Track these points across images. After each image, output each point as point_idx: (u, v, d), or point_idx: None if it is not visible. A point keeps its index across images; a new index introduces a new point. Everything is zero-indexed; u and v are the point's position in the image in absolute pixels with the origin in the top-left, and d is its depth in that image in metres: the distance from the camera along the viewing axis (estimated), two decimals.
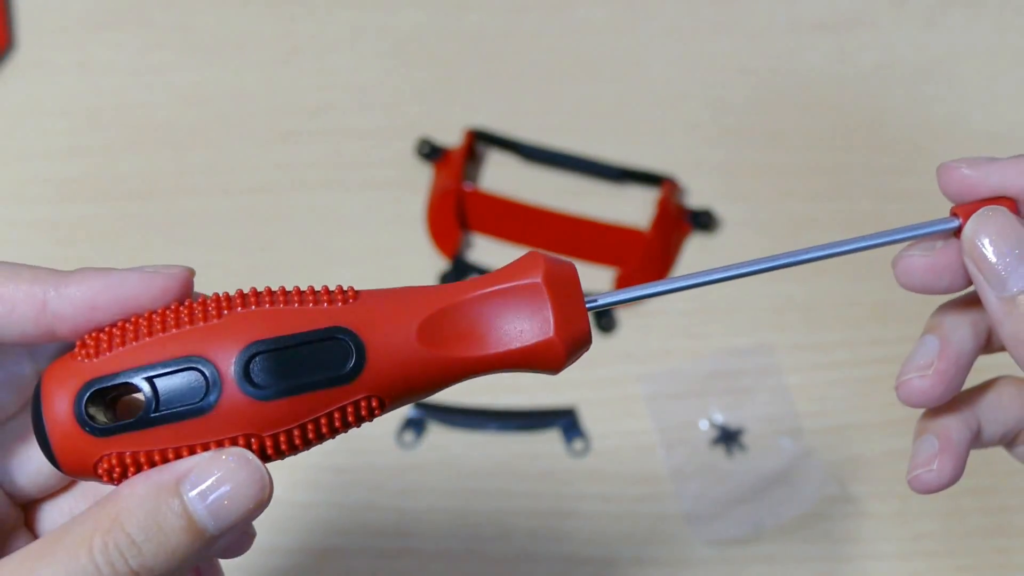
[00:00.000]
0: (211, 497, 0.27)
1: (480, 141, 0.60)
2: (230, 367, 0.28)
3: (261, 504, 0.28)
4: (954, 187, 0.32)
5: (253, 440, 0.28)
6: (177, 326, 0.29)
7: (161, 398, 0.28)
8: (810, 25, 0.64)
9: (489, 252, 0.57)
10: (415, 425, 0.53)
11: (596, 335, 0.55)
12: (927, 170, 0.63)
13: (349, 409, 0.29)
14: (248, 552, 0.51)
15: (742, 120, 0.61)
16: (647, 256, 0.56)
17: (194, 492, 0.27)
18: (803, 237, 0.57)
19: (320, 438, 0.29)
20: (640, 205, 0.58)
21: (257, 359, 0.28)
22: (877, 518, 0.51)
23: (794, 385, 0.54)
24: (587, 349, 0.32)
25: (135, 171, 0.59)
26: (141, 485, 0.27)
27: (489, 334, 0.30)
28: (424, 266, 0.57)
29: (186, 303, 0.29)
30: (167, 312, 0.29)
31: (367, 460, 0.52)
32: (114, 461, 0.28)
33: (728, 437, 0.52)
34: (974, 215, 0.31)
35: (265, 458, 0.28)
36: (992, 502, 0.50)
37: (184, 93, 0.62)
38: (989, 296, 0.31)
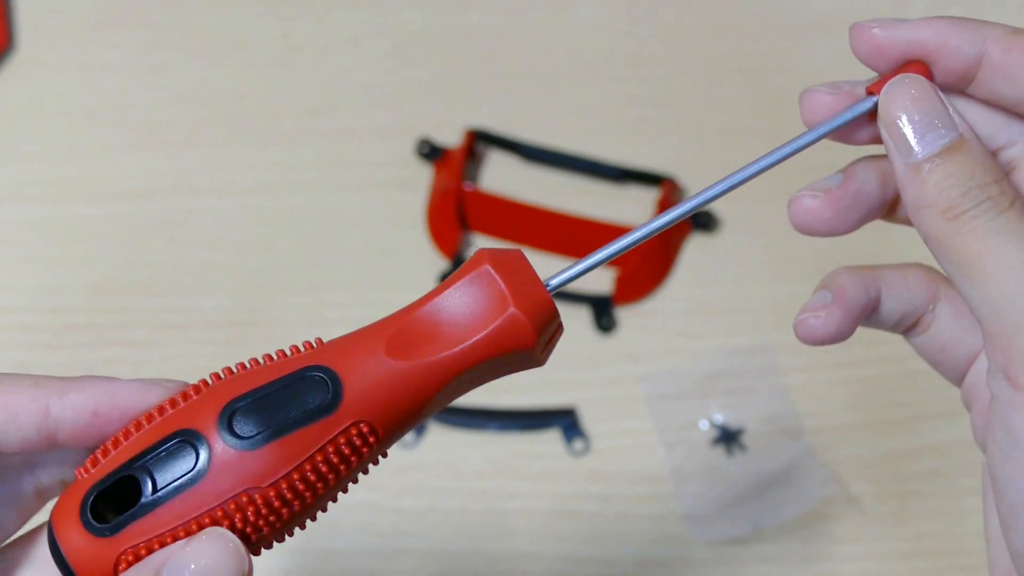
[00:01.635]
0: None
1: (480, 141, 0.60)
2: (213, 428, 0.28)
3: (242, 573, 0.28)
4: (864, 48, 0.33)
5: (257, 494, 0.28)
6: (161, 414, 0.29)
7: (157, 478, 0.28)
8: (810, 25, 0.64)
9: None
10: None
11: (596, 335, 0.55)
12: None
13: (341, 440, 0.29)
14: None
15: (742, 120, 0.61)
16: (647, 256, 0.56)
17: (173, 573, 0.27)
18: (803, 237, 0.57)
19: (322, 479, 0.29)
20: (640, 205, 0.58)
21: (237, 414, 0.28)
22: (877, 518, 0.51)
23: (794, 385, 0.54)
24: (558, 325, 0.31)
25: (135, 171, 0.59)
26: None
27: (454, 330, 0.30)
28: (424, 266, 0.57)
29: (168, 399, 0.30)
30: (153, 411, 0.30)
31: None
32: (131, 558, 0.28)
33: (728, 437, 0.52)
34: (888, 83, 0.31)
35: (275, 513, 0.29)
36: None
37: (184, 93, 0.62)
38: (897, 163, 0.30)
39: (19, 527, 0.31)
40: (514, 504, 0.51)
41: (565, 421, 0.53)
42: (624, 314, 0.56)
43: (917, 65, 0.32)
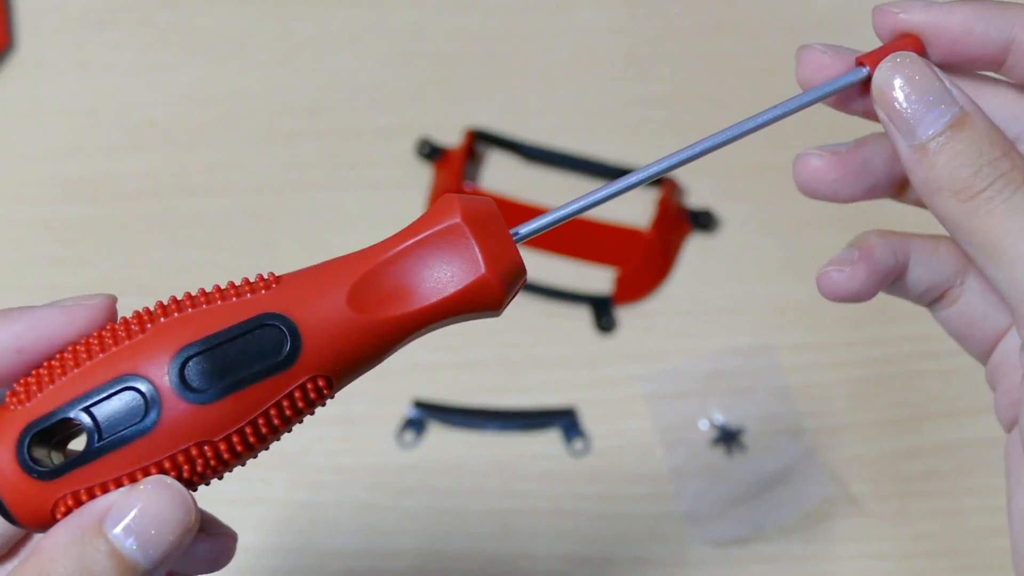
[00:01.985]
0: (136, 530, 0.26)
1: (480, 141, 0.60)
2: (164, 378, 0.27)
3: (189, 528, 0.27)
4: (887, 34, 0.31)
5: (207, 447, 0.27)
6: (103, 350, 0.28)
7: (102, 426, 0.27)
8: (810, 25, 0.64)
9: None
10: (415, 425, 0.53)
11: (596, 335, 0.55)
12: None
13: (297, 395, 0.28)
14: (248, 552, 0.51)
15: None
16: (647, 256, 0.56)
17: (118, 529, 0.26)
18: (803, 237, 0.58)
19: (274, 431, 0.28)
20: (640, 205, 0.58)
21: (191, 364, 0.27)
22: (877, 518, 0.51)
23: (794, 385, 0.54)
24: (523, 282, 0.30)
25: (135, 171, 0.59)
26: (63, 533, 0.26)
27: (421, 286, 0.29)
28: None
29: (108, 326, 0.29)
30: (91, 340, 0.28)
31: (367, 460, 0.52)
32: (71, 503, 0.27)
33: (728, 437, 0.52)
34: (883, 62, 0.30)
35: (223, 463, 0.28)
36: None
37: (184, 93, 0.62)
38: (901, 146, 0.29)
39: None
40: (514, 504, 0.51)
41: (565, 421, 0.53)
42: (624, 314, 0.56)
43: (909, 38, 0.31)
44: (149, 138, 0.60)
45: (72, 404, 0.27)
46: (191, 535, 0.27)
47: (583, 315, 0.56)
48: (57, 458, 0.27)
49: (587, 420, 0.53)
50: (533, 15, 0.64)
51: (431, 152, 0.59)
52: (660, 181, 0.58)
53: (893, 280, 0.33)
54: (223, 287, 0.28)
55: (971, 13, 0.30)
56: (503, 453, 0.52)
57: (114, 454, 0.27)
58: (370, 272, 0.29)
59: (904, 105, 0.29)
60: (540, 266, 0.57)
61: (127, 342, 0.28)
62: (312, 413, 0.29)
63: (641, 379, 0.54)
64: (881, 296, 0.58)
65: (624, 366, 0.54)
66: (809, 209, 0.58)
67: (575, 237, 0.57)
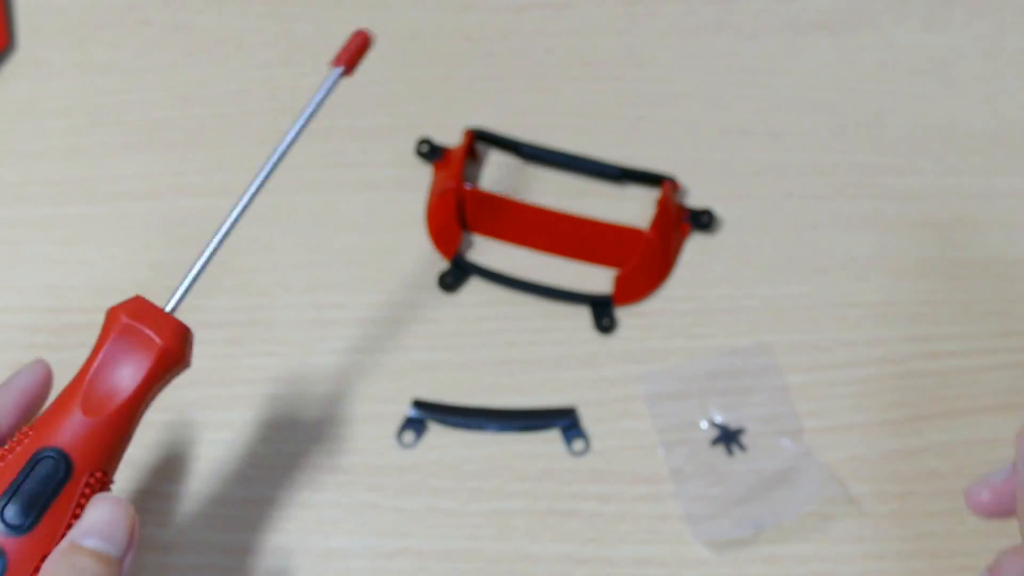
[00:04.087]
0: (102, 534, 0.36)
1: (480, 141, 0.60)
2: None
3: (134, 523, 0.37)
4: (981, 512, 0.41)
5: (46, 557, 0.36)
6: None
7: None
8: (810, 25, 0.64)
9: (489, 252, 0.57)
10: (415, 425, 0.53)
11: (596, 335, 0.55)
12: (927, 170, 0.64)
13: (87, 491, 0.38)
14: (248, 552, 0.51)
15: (742, 120, 0.61)
16: (647, 256, 0.56)
17: (89, 540, 0.36)
18: (803, 237, 0.58)
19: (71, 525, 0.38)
20: (640, 205, 0.58)
21: (7, 510, 0.36)
22: (877, 518, 0.51)
23: (794, 385, 0.54)
24: (192, 336, 0.40)
25: (135, 171, 0.60)
26: (50, 561, 0.36)
27: (126, 377, 0.38)
28: (424, 266, 0.57)
29: None
30: None
31: (367, 460, 0.52)
32: None
33: (728, 437, 0.52)
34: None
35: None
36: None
37: (184, 93, 0.62)
38: None
39: None
40: (514, 504, 0.51)
41: (565, 421, 0.53)
42: (624, 314, 0.56)
43: (361, 35, 0.46)
44: (149, 138, 0.60)
45: None
46: (135, 529, 0.37)
47: (583, 315, 0.56)
48: None
49: (587, 420, 0.53)
50: (533, 15, 0.64)
51: (431, 152, 0.59)
52: (660, 181, 0.58)
53: None
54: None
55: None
56: (503, 453, 0.52)
57: None
58: (87, 386, 0.38)
59: None
60: (540, 266, 0.57)
61: None
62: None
63: (641, 379, 0.54)
64: (881, 296, 0.59)
65: (624, 366, 0.54)
66: (809, 209, 0.58)
67: (575, 237, 0.57)
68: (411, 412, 0.53)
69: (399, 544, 0.50)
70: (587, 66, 0.63)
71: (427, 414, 0.53)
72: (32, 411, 0.41)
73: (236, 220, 0.43)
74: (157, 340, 0.38)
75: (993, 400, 0.53)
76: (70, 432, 0.38)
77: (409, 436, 0.53)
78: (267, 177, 0.45)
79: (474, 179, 0.60)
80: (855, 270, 0.56)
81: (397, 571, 0.50)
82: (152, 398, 0.39)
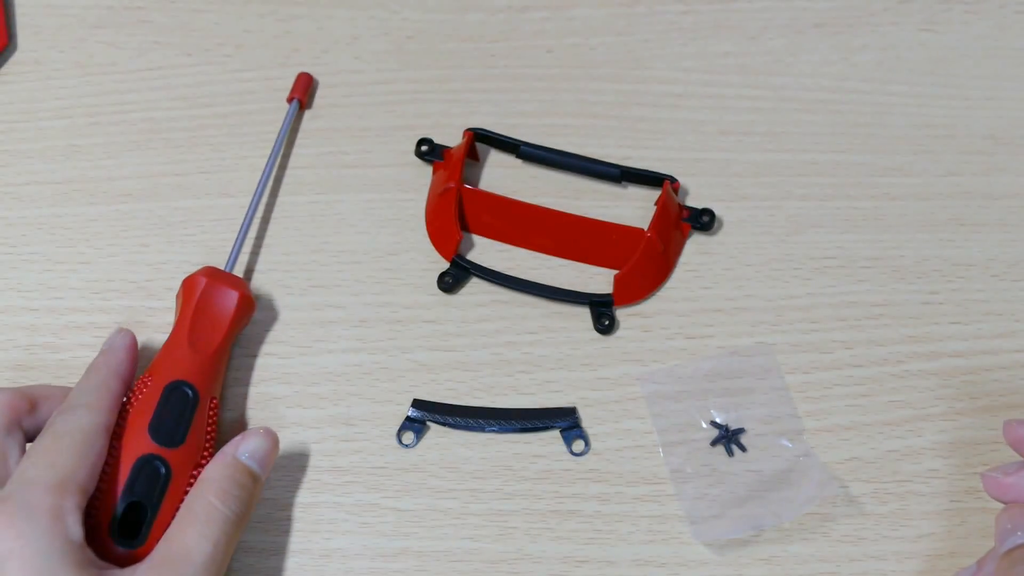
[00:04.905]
0: (255, 455, 0.47)
1: (480, 141, 0.60)
2: (155, 446, 0.47)
3: (277, 453, 0.49)
4: (994, 493, 0.47)
5: (198, 468, 0.48)
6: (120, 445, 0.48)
7: (143, 499, 0.46)
8: (810, 25, 0.64)
9: (489, 252, 0.57)
10: (415, 425, 0.53)
11: (596, 335, 0.55)
12: (927, 170, 0.64)
13: (210, 412, 0.49)
14: (248, 552, 0.51)
15: (742, 120, 0.61)
16: (647, 256, 0.56)
17: (245, 456, 0.47)
18: (803, 237, 0.58)
19: (212, 433, 0.49)
20: (640, 205, 0.58)
21: (160, 428, 0.47)
22: (877, 518, 0.51)
23: (794, 385, 0.54)
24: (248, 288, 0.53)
25: (135, 171, 0.59)
26: (214, 464, 0.47)
27: (221, 316, 0.51)
28: (424, 266, 0.57)
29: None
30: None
31: (367, 460, 0.52)
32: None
33: (728, 437, 0.52)
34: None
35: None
36: (992, 502, 0.50)
37: (184, 93, 0.62)
38: None
39: None
40: (514, 504, 0.51)
41: (565, 421, 0.53)
42: (624, 314, 0.56)
43: (304, 76, 0.61)
44: (149, 138, 0.60)
45: (125, 493, 0.46)
46: (277, 453, 0.49)
47: (583, 315, 0.56)
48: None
49: (587, 420, 0.53)
50: (533, 15, 0.64)
51: (431, 152, 0.59)
52: (660, 181, 0.58)
53: None
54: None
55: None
56: (503, 453, 0.52)
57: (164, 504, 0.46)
58: (190, 331, 0.50)
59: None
60: (540, 266, 0.57)
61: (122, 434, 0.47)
62: (216, 427, 0.50)
63: (641, 379, 0.54)
64: (881, 296, 0.59)
65: (624, 366, 0.54)
66: (809, 209, 0.58)
67: (575, 237, 0.57)
68: (411, 412, 0.53)
69: (399, 544, 0.50)
70: (587, 66, 0.63)
71: (427, 414, 0.53)
72: (133, 371, 0.49)
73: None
74: (234, 290, 0.51)
75: (993, 400, 0.53)
76: (188, 366, 0.48)
77: (409, 436, 0.53)
78: (257, 205, 0.57)
79: (474, 179, 0.60)
80: (855, 270, 0.56)
81: (397, 571, 0.50)
82: (235, 336, 0.52)
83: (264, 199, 0.58)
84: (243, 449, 0.47)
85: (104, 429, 0.45)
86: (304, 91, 0.60)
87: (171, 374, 0.48)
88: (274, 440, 0.48)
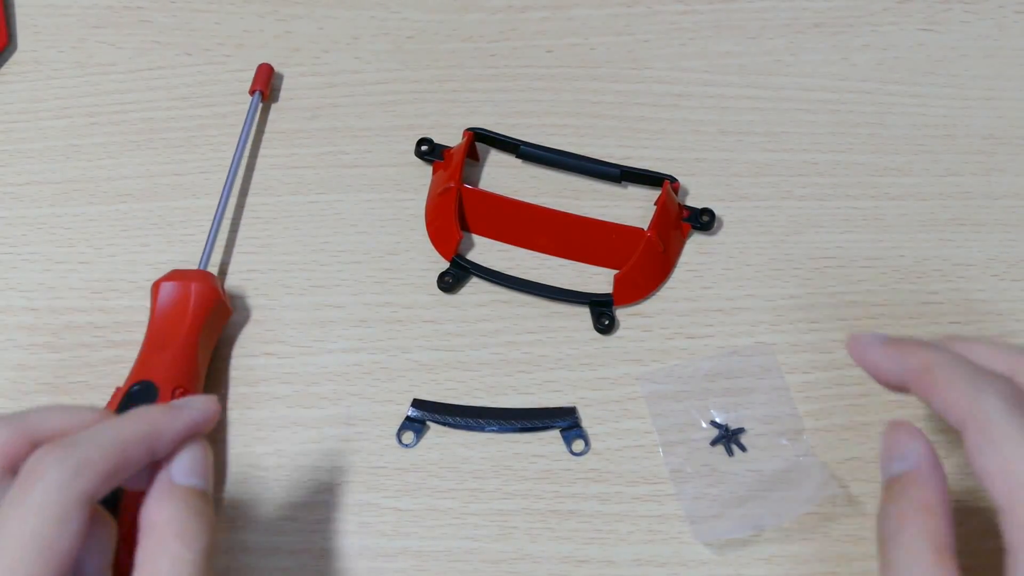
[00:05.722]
0: (196, 471, 0.39)
1: (480, 141, 0.60)
2: None
3: (211, 454, 0.40)
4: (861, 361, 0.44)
5: None
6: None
7: None
8: (810, 25, 0.64)
9: (489, 252, 0.57)
10: (415, 425, 0.53)
11: (596, 335, 0.55)
12: (927, 170, 0.64)
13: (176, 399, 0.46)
14: (248, 552, 0.51)
15: (742, 120, 0.61)
16: (647, 256, 0.56)
17: (184, 477, 0.39)
18: (803, 237, 0.58)
19: None
20: (640, 205, 0.58)
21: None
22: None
23: (794, 385, 0.54)
24: (215, 278, 0.54)
25: (135, 171, 0.60)
26: (161, 507, 0.38)
27: (178, 315, 0.51)
28: (424, 266, 0.57)
29: None
30: None
31: (367, 460, 0.52)
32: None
33: (728, 437, 0.52)
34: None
35: None
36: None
37: (184, 93, 0.62)
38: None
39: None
40: (514, 504, 0.51)
41: (565, 421, 0.53)
42: (624, 314, 0.56)
43: (265, 66, 0.60)
44: (149, 138, 0.60)
45: None
46: (212, 455, 0.40)
47: (583, 315, 0.56)
48: None
49: (587, 420, 0.53)
50: (533, 15, 0.64)
51: (431, 152, 0.59)
52: (660, 181, 0.58)
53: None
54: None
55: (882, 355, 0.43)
56: (503, 453, 0.52)
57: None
58: (152, 333, 0.51)
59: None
60: (540, 266, 0.57)
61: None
62: None
63: (641, 379, 0.54)
64: (881, 296, 0.59)
65: (624, 366, 0.54)
66: (809, 209, 0.58)
67: (575, 237, 0.57)
68: (411, 412, 0.53)
69: (399, 544, 0.50)
70: (587, 66, 0.63)
71: (427, 414, 0.53)
72: (177, 443, 0.40)
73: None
74: (192, 283, 0.52)
75: None
76: (152, 367, 0.49)
77: (409, 436, 0.53)
78: (228, 196, 0.57)
79: (474, 179, 0.60)
80: (855, 270, 0.56)
81: (397, 571, 0.50)
82: (209, 330, 0.52)
83: (235, 197, 0.59)
84: (178, 471, 0.39)
85: (84, 503, 0.37)
86: (265, 82, 0.60)
87: (135, 377, 0.49)
88: (203, 445, 0.40)
